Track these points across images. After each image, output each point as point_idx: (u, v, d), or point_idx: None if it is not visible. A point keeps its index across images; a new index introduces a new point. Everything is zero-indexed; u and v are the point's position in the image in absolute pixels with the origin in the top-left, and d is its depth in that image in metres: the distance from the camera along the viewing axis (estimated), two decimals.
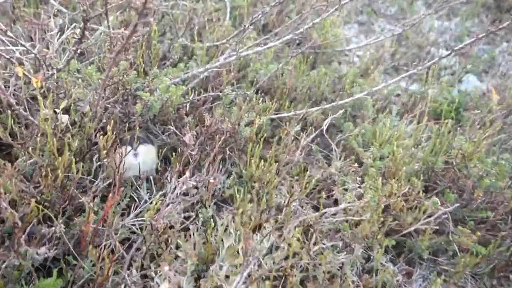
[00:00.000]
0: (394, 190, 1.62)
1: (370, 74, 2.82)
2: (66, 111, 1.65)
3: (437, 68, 3.07)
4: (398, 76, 2.52)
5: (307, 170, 2.16)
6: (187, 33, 2.59)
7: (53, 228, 1.32)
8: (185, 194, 1.73)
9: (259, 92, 2.26)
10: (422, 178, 1.89)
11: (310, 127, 2.21)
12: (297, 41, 2.80)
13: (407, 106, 2.59)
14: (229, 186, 1.98)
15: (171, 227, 1.54)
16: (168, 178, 1.65)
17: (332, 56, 3.10)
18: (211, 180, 1.40)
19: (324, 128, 1.91)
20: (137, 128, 1.58)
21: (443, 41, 3.46)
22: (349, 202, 1.66)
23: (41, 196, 1.46)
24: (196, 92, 2.03)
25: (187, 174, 1.37)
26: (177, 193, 1.38)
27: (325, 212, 1.72)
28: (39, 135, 1.36)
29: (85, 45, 2.11)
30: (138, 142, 1.80)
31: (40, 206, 1.32)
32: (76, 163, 1.57)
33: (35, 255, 1.33)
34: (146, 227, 1.41)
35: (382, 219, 1.58)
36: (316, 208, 2.02)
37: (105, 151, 1.36)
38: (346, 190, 1.87)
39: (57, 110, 1.49)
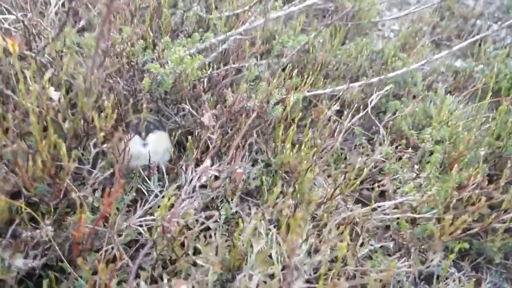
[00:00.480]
0: (464, 180, 1.29)
1: (409, 49, 2.47)
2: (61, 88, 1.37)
3: (485, 42, 2.69)
4: (440, 51, 2.18)
5: (345, 157, 1.84)
6: (202, 4, 2.27)
7: (38, 231, 1.04)
8: (203, 186, 1.43)
9: (287, 68, 1.93)
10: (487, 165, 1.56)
11: (348, 108, 1.90)
12: (328, 11, 2.46)
13: (459, 83, 2.23)
14: (255, 176, 1.68)
15: (188, 227, 1.25)
16: (183, 167, 1.36)
17: (365, 29, 2.75)
18: (239, 170, 1.09)
19: (370, 107, 1.58)
20: (145, 107, 1.27)
21: (489, 13, 3.07)
22: (406, 195, 1.33)
23: (27, 191, 1.17)
24: (215, 67, 1.72)
25: (208, 162, 1.06)
26: (194, 186, 1.08)
27: (377, 208, 1.40)
28: (17, 113, 1.07)
29: (87, 19, 1.82)
30: (147, 127, 1.51)
31: (22, 204, 1.03)
32: (71, 149, 1.29)
33: (18, 265, 1.05)
34: (156, 228, 1.11)
35: (451, 216, 1.25)
36: (359, 202, 1.71)
37: (102, 134, 1.06)
38: (395, 180, 1.55)
39: (46, 86, 1.20)
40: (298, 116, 1.44)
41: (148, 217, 1.16)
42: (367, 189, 1.77)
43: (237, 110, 1.42)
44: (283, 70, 1.98)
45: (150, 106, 1.65)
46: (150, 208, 1.31)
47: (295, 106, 1.53)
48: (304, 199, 1.52)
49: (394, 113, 1.84)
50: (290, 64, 1.78)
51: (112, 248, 1.15)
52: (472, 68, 2.41)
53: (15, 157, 1.00)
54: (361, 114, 1.48)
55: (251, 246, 1.27)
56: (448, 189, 1.23)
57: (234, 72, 1.60)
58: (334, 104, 1.71)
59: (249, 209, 1.65)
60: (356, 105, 1.91)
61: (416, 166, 1.46)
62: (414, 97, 2.14)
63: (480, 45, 2.69)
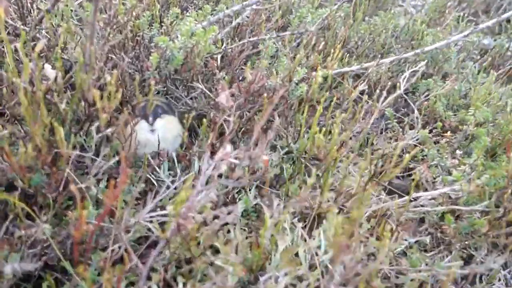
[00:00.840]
0: None
1: (435, 25, 2.28)
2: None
3: None
4: (467, 28, 1.99)
5: (372, 143, 1.68)
6: None
7: (34, 229, 0.89)
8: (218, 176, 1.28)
9: (306, 44, 1.76)
10: None
11: (374, 88, 1.73)
12: None
13: (491, 61, 2.05)
14: (275, 164, 1.52)
15: (204, 223, 1.10)
16: (197, 155, 1.20)
17: (385, 5, 2.56)
18: (265, 157, 0.94)
19: (403, 86, 1.41)
20: (153, 87, 1.11)
21: None
22: (450, 184, 1.18)
23: (22, 182, 1.03)
24: (229, 42, 1.55)
25: (228, 148, 0.90)
26: (211, 176, 0.93)
27: (414, 199, 1.24)
28: (6, 93, 0.91)
29: None
30: (155, 111, 1.35)
31: (14, 198, 0.88)
32: (71, 135, 1.14)
33: (13, 269, 0.91)
34: (170, 224, 0.96)
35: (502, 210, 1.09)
36: (389, 193, 1.55)
37: (105, 116, 0.90)
38: (433, 167, 1.39)
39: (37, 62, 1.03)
40: (324, 97, 1.27)
41: (159, 211, 1.01)
42: (398, 177, 1.61)
43: (256, 89, 1.25)
44: (301, 46, 1.81)
45: (158, 88, 1.49)
46: (160, 200, 1.17)
47: (322, 85, 1.36)
48: (327, 188, 1.37)
49: (425, 93, 1.67)
50: (310, 40, 1.61)
51: (120, 247, 1.01)
52: (503, 45, 2.22)
53: (2, 143, 0.85)
54: (395, 94, 1.30)
55: (275, 243, 1.12)
56: (502, 177, 1.07)
57: (251, 48, 1.43)
58: (362, 83, 1.53)
59: (269, 200, 1.51)
60: (383, 84, 1.75)
61: (458, 152, 1.29)
62: (442, 76, 1.96)
63: (509, 21, 2.49)
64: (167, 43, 1.21)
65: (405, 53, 1.79)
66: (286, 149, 1.53)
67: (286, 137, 1.56)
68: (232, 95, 1.14)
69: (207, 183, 1.01)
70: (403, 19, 2.46)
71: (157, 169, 1.21)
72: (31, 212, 0.94)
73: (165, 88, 1.49)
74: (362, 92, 1.61)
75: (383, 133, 1.72)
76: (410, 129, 1.67)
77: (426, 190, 1.39)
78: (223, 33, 1.66)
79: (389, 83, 1.67)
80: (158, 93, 1.67)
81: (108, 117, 0.90)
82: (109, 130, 0.96)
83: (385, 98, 1.26)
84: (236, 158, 1.00)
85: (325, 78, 1.68)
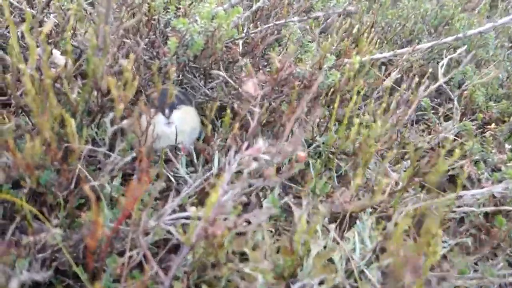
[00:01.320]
0: None
1: (468, 10, 2.13)
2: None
3: None
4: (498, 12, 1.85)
5: (403, 136, 1.56)
6: None
7: (43, 234, 0.79)
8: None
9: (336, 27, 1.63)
10: None
11: (406, 76, 1.61)
12: None
13: None
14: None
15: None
16: (218, 149, 1.10)
17: None
18: (301, 153, 0.82)
19: (441, 74, 1.28)
20: (173, 74, 1.00)
21: None
22: (499, 181, 1.06)
23: (30, 181, 0.93)
24: (251, 27, 1.43)
25: (260, 143, 0.80)
26: (238, 173, 0.83)
27: (461, 196, 1.13)
28: (11, 80, 0.81)
29: None
30: (172, 103, 1.25)
31: (21, 200, 0.78)
32: (82, 127, 1.03)
33: (20, 279, 0.82)
34: (194, 228, 0.86)
35: None
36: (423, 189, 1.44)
37: (122, 106, 0.79)
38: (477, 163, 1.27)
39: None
40: (359, 86, 1.15)
41: (180, 214, 0.91)
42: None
43: (283, 77, 1.14)
44: (332, 30, 1.69)
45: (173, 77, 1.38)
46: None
47: (366, 68, 1.23)
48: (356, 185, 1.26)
49: (460, 83, 1.55)
50: (340, 25, 1.48)
51: (138, 253, 0.90)
52: None
53: (5, 136, 0.75)
54: (437, 83, 1.18)
55: (307, 248, 1.02)
56: None
57: (275, 33, 1.31)
58: (394, 71, 1.41)
59: (294, 198, 1.40)
60: (413, 73, 1.62)
61: (507, 146, 1.17)
62: (476, 64, 1.83)
63: None
64: (187, 26, 1.09)
65: (437, 39, 1.66)
66: (315, 144, 1.42)
67: (312, 130, 1.45)
68: (259, 83, 1.02)
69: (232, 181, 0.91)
70: (430, 4, 2.32)
71: (177, 164, 1.11)
72: (39, 215, 0.84)
73: (181, 77, 1.38)
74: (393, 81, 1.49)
75: (414, 125, 1.60)
76: (445, 120, 1.55)
77: (464, 187, 1.27)
78: (242, 18, 1.55)
79: (419, 71, 1.55)
80: (172, 82, 1.56)
81: (123, 108, 0.79)
82: (125, 122, 0.85)
83: (427, 87, 1.14)
84: (266, 153, 0.89)
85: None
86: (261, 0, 1.56)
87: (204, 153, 1.11)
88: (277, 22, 1.23)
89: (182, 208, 1.12)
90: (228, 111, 1.04)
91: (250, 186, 1.21)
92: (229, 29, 1.16)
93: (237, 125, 1.04)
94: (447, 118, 1.55)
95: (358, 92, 1.31)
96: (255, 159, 0.87)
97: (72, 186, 1.01)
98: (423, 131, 1.55)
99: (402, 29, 1.77)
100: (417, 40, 1.91)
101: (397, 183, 1.26)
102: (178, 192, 1.15)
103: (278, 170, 1.39)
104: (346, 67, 1.15)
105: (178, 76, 1.40)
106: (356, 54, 1.20)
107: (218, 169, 1.09)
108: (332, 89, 1.22)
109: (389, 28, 1.79)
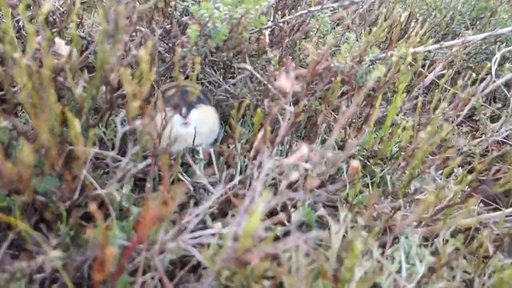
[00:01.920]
0: None
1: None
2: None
3: None
4: None
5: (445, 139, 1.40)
6: None
7: (41, 258, 0.65)
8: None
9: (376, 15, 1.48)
10: None
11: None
12: None
13: None
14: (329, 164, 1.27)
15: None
16: (240, 153, 0.95)
17: None
18: (355, 163, 0.67)
19: (494, 69, 1.12)
20: (198, 68, 0.86)
21: None
22: None
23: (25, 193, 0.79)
24: (277, 16, 1.28)
25: (304, 148, 0.65)
26: (275, 186, 0.68)
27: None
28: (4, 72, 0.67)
29: None
30: (190, 101, 1.12)
31: (15, 220, 0.65)
32: (88, 128, 0.89)
33: None
34: (221, 251, 0.72)
35: None
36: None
37: (136, 104, 0.65)
38: None
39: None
40: (405, 81, 1.00)
41: (204, 231, 0.76)
42: (480, 181, 1.34)
43: (319, 72, 0.99)
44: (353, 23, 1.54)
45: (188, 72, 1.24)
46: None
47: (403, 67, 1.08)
48: (404, 197, 1.11)
49: (508, 82, 1.38)
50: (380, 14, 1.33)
51: (153, 277, 0.76)
52: None
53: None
54: (495, 84, 1.02)
55: (350, 270, 0.87)
56: None
57: (307, 23, 1.16)
58: (439, 67, 1.25)
59: (324, 207, 1.25)
60: (457, 69, 1.46)
61: None
62: None
63: None
64: (210, 11, 0.95)
65: (478, 32, 1.50)
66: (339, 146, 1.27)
67: (344, 130, 1.30)
68: (296, 78, 0.87)
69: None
70: None
71: (196, 170, 0.96)
72: (34, 234, 0.71)
73: (201, 70, 1.24)
74: (437, 77, 1.33)
75: (459, 127, 1.44)
76: (491, 122, 1.39)
77: None
78: (266, 6, 1.40)
79: (462, 66, 1.38)
80: (186, 77, 1.42)
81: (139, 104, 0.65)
82: (139, 122, 0.71)
83: (484, 87, 0.98)
84: (308, 162, 0.74)
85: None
86: None
87: (229, 157, 0.97)
88: (312, 9, 1.08)
89: (201, 220, 0.98)
90: (259, 110, 0.90)
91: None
92: (257, 16, 1.01)
93: (267, 126, 0.89)
94: (493, 119, 1.39)
95: (404, 90, 1.16)
96: (295, 167, 0.73)
97: (76, 195, 0.88)
98: (466, 133, 1.39)
99: (440, 22, 1.60)
100: (452, 34, 1.75)
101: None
102: (196, 202, 1.01)
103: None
104: (392, 60, 1.00)
105: (201, 68, 1.25)
106: (403, 46, 1.05)
107: (244, 176, 0.94)
108: (375, 85, 1.07)
109: (427, 19, 1.62)
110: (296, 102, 1.05)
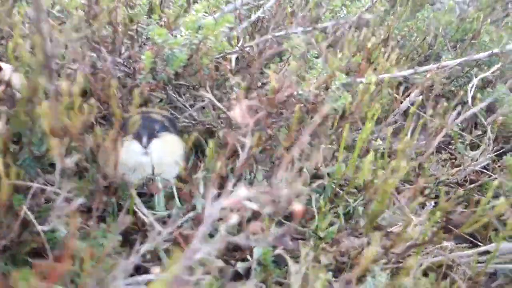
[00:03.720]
0: None
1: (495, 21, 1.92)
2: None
3: None
4: None
5: (421, 166, 1.34)
6: None
7: None
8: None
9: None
10: None
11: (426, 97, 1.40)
12: None
13: None
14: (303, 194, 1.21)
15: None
16: (200, 186, 0.90)
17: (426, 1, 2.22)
18: (297, 207, 0.61)
19: (470, 95, 1.07)
20: (137, 96, 0.81)
21: None
22: None
23: None
24: (247, 40, 1.25)
25: (243, 190, 0.60)
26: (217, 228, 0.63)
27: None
28: None
29: None
30: (150, 127, 1.07)
31: None
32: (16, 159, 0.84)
33: None
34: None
35: None
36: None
37: (55, 142, 0.60)
38: None
39: None
40: (374, 110, 0.95)
41: (140, 277, 0.70)
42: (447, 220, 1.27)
43: (281, 100, 0.94)
44: (332, 47, 1.50)
45: (158, 95, 1.19)
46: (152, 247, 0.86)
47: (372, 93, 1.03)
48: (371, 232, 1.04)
49: (491, 106, 1.33)
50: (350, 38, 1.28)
51: None
52: None
53: None
54: (470, 111, 0.97)
55: None
56: None
57: (275, 46, 1.11)
58: (415, 92, 1.21)
59: (292, 240, 1.19)
60: (436, 93, 1.42)
61: None
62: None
63: None
64: (165, 37, 0.90)
65: (459, 55, 1.46)
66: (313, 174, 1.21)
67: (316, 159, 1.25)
68: (251, 108, 0.82)
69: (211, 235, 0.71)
70: (448, 16, 2.12)
71: (142, 210, 0.91)
72: None
73: (165, 96, 1.19)
74: (412, 103, 1.28)
75: (435, 154, 1.38)
76: (471, 149, 1.33)
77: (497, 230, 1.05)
78: (240, 29, 1.36)
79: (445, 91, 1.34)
80: (161, 101, 1.37)
81: (65, 143, 0.59)
82: (70, 160, 0.65)
83: (458, 114, 0.93)
84: (252, 201, 0.68)
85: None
86: (261, 9, 1.38)
87: (183, 192, 0.91)
88: (276, 34, 1.03)
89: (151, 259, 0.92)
90: (211, 144, 0.84)
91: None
92: (218, 42, 0.97)
93: (223, 159, 0.84)
94: (473, 146, 1.34)
95: (373, 117, 1.11)
96: (239, 209, 0.67)
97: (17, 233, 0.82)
98: (445, 160, 1.33)
99: (421, 44, 1.56)
100: (434, 56, 1.71)
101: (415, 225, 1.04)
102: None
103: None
104: (359, 88, 0.95)
105: (165, 93, 1.21)
106: (372, 72, 1.00)
107: (195, 213, 0.89)
108: (341, 114, 1.02)
109: (406, 43, 1.58)
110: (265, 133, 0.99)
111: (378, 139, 1.43)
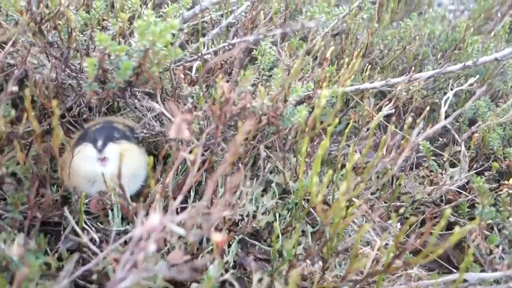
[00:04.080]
0: None
1: (476, 34, 1.84)
2: None
3: None
4: None
5: (399, 183, 1.27)
6: None
7: None
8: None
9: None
10: None
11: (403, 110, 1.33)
12: None
13: None
14: (266, 209, 1.14)
15: None
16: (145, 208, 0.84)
17: (416, 9, 2.15)
18: (216, 237, 0.54)
19: (444, 109, 1.00)
20: (91, 103, 0.75)
21: None
22: None
23: None
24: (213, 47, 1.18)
25: (155, 218, 0.53)
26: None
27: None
28: None
29: None
30: (107, 134, 1.01)
31: None
32: None
33: None
34: None
35: None
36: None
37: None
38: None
39: None
40: (333, 125, 0.88)
41: None
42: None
43: (235, 112, 0.87)
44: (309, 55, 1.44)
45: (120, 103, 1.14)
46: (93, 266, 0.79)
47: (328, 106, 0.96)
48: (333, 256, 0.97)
49: (471, 120, 1.26)
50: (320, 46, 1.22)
51: None
52: None
53: None
54: (437, 125, 0.90)
55: None
56: None
57: (242, 54, 1.05)
58: (387, 104, 1.14)
59: (256, 260, 1.12)
60: (415, 106, 1.35)
61: None
62: (491, 98, 1.54)
63: None
64: (108, 43, 0.84)
65: (446, 66, 1.39)
66: (282, 188, 1.15)
67: (283, 173, 1.18)
68: (190, 123, 0.76)
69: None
70: (440, 24, 2.04)
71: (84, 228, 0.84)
72: None
73: (124, 102, 1.14)
74: (388, 115, 1.21)
75: (413, 170, 1.31)
76: (451, 166, 1.25)
77: (476, 262, 0.97)
78: (210, 36, 1.30)
79: (420, 104, 1.27)
80: (126, 109, 1.31)
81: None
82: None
83: (423, 129, 0.86)
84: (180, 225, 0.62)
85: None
86: (233, 15, 1.32)
87: (124, 209, 0.85)
88: (232, 41, 0.97)
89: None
90: (150, 159, 0.78)
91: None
92: (169, 49, 0.91)
93: (166, 177, 0.78)
94: (453, 163, 1.26)
95: (347, 125, 1.04)
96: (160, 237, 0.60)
97: None
98: (423, 177, 1.25)
99: (403, 53, 1.49)
100: (420, 67, 1.64)
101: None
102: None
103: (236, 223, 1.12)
104: (316, 101, 0.88)
105: (123, 99, 1.15)
106: (332, 84, 0.93)
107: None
108: (299, 129, 0.95)
109: (387, 52, 1.52)
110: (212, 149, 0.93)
111: (356, 153, 1.36)
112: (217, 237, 0.54)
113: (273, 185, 1.19)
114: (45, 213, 0.82)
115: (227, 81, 0.89)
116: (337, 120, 0.88)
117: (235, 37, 1.20)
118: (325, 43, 1.43)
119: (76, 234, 0.93)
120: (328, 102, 1.12)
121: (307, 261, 0.89)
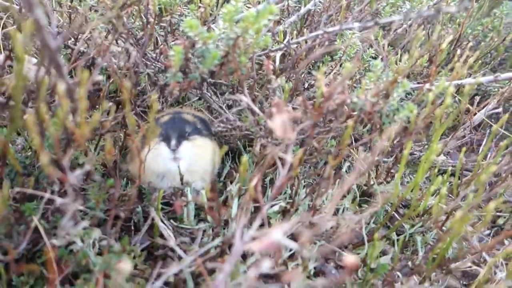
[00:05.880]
0: None
1: None
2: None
3: None
4: None
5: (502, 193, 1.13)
6: None
7: None
8: None
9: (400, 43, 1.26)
10: None
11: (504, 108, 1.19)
12: None
13: None
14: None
15: None
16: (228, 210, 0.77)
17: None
18: (350, 259, 0.45)
19: None
20: (172, 96, 0.69)
21: None
22: None
23: None
24: (294, 36, 1.09)
25: (277, 233, 0.45)
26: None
27: None
28: None
29: None
30: (181, 129, 0.96)
31: None
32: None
33: None
34: None
35: None
36: None
37: (45, 159, 0.48)
38: None
39: None
40: (445, 126, 0.77)
41: None
42: None
43: (331, 109, 0.78)
44: (391, 46, 1.32)
45: (194, 92, 1.08)
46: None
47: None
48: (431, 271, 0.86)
49: None
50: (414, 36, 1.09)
51: None
52: None
53: None
54: None
55: None
56: None
57: (326, 44, 0.96)
58: (491, 103, 1.00)
59: (337, 268, 1.03)
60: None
61: None
62: None
63: None
64: (197, 30, 0.77)
65: None
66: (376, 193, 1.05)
67: (368, 175, 1.08)
68: (295, 120, 0.68)
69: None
70: None
71: (165, 231, 0.78)
72: None
73: (200, 95, 1.07)
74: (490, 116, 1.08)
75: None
76: None
77: None
78: (286, 24, 1.21)
79: None
80: (199, 99, 1.25)
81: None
82: (77, 174, 0.54)
83: None
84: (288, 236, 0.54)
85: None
86: (312, 1, 1.22)
87: (209, 211, 0.78)
88: (329, 30, 0.87)
89: None
90: (245, 158, 0.71)
91: None
92: (258, 37, 0.83)
93: (256, 179, 0.70)
94: None
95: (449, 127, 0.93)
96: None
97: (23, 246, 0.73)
98: None
99: (497, 46, 1.34)
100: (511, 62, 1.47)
101: None
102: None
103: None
104: (427, 97, 0.77)
105: (200, 93, 1.09)
106: (443, 78, 0.82)
107: (225, 237, 0.75)
108: (404, 127, 0.85)
109: (479, 44, 1.36)
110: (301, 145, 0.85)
111: (442, 154, 1.24)
112: (350, 260, 0.46)
113: (353, 187, 1.10)
114: (127, 211, 0.77)
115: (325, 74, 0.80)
116: (451, 120, 0.77)
117: (320, 26, 1.10)
118: (408, 33, 1.31)
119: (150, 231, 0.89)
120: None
121: (414, 278, 0.78)
